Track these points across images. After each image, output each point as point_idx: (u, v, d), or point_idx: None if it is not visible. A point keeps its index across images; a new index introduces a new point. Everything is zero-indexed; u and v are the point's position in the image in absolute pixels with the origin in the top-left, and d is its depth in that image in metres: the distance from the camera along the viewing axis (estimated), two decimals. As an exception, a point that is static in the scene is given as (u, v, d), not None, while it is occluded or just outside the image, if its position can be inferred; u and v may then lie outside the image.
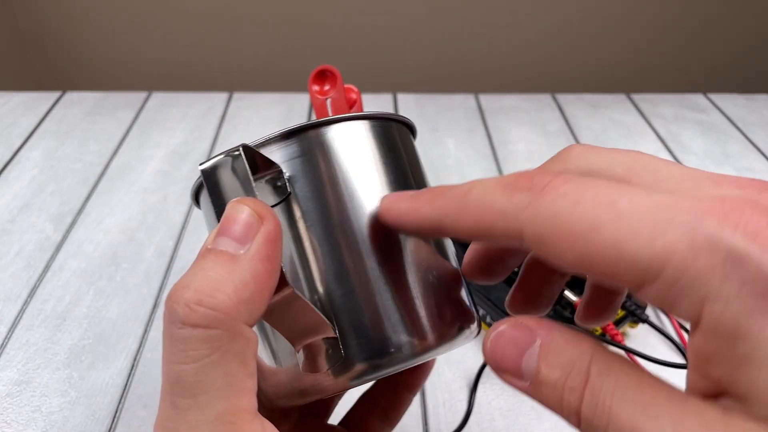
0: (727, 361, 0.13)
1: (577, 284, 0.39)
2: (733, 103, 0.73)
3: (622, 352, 0.39)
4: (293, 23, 1.02)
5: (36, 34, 1.04)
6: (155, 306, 0.43)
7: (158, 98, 0.71)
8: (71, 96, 0.71)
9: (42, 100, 0.70)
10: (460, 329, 0.21)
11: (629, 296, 0.39)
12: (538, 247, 0.15)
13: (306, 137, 0.21)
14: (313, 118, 0.25)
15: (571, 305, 0.38)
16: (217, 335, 0.16)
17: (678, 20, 1.04)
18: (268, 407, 0.21)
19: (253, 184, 0.19)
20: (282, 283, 0.18)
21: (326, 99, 0.28)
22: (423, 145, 0.62)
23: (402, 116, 0.23)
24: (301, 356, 0.20)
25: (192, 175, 0.57)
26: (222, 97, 0.72)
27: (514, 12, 1.02)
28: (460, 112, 0.70)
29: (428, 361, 0.27)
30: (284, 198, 0.20)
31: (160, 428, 0.16)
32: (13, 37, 1.03)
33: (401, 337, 0.20)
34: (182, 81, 1.06)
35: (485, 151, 0.63)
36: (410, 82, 1.05)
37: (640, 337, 0.41)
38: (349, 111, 0.29)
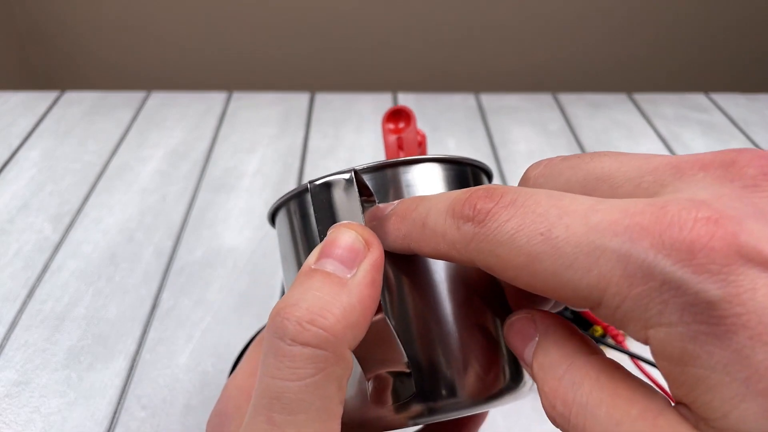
0: (681, 383, 0.13)
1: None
2: (734, 103, 0.73)
3: (625, 357, 0.39)
4: (293, 23, 1.02)
5: (35, 34, 1.04)
6: (154, 306, 0.43)
7: (157, 98, 0.71)
8: (70, 96, 0.71)
9: (41, 99, 0.70)
10: (524, 383, 0.21)
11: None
12: (492, 273, 0.15)
13: (394, 172, 0.21)
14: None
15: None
16: (324, 356, 0.16)
17: (679, 20, 1.03)
18: None
19: (362, 208, 0.19)
20: (378, 308, 0.18)
21: (398, 137, 0.29)
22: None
23: (482, 163, 0.24)
24: (370, 386, 0.20)
25: (191, 175, 0.57)
26: (221, 96, 0.72)
27: (514, 12, 1.01)
28: (460, 112, 0.70)
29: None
30: None
31: None
32: (12, 37, 1.02)
33: (472, 383, 0.20)
34: (181, 80, 1.06)
35: (486, 151, 0.62)
36: (410, 81, 1.05)
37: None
38: (417, 150, 0.30)
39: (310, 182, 0.20)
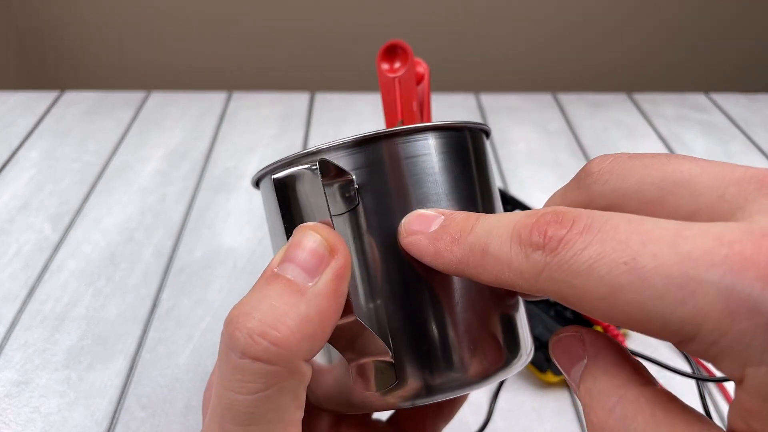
0: None
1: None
2: (734, 102, 0.73)
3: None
4: (293, 23, 1.02)
5: (35, 34, 1.04)
6: (154, 306, 0.43)
7: (157, 98, 0.71)
8: (70, 96, 0.71)
9: (40, 99, 0.70)
10: (512, 358, 0.21)
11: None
12: (567, 304, 0.14)
13: (377, 146, 0.20)
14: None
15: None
16: (275, 371, 0.16)
17: (679, 20, 1.03)
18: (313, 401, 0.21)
19: (328, 203, 0.18)
20: (347, 309, 0.18)
21: (396, 77, 0.26)
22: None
23: (477, 123, 0.22)
24: (353, 373, 0.20)
25: (191, 175, 0.57)
26: (221, 96, 0.72)
27: (514, 11, 1.01)
28: (460, 112, 0.70)
29: None
30: (352, 208, 0.19)
31: None
32: (11, 37, 1.02)
33: (455, 365, 0.19)
34: (181, 80, 1.06)
35: (485, 151, 0.62)
36: (410, 81, 1.05)
37: (641, 338, 0.41)
38: (417, 88, 0.27)
39: (272, 173, 0.19)
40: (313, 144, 0.63)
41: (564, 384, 0.38)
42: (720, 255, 0.12)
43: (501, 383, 0.37)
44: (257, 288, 0.17)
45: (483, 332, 0.20)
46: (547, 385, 0.38)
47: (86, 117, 0.67)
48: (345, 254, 0.17)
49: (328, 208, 0.18)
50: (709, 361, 0.13)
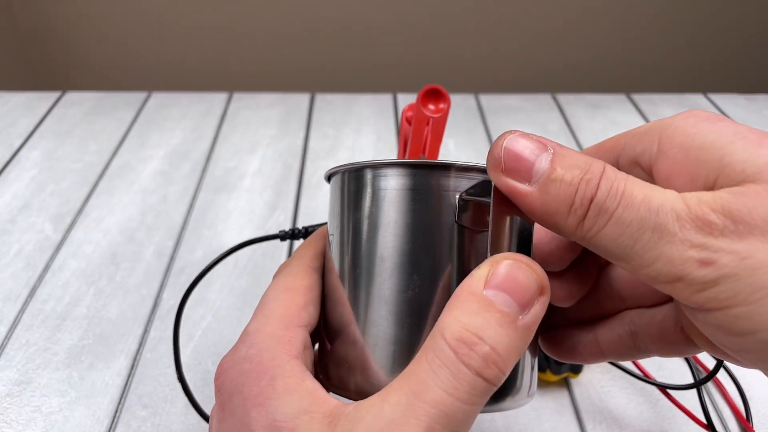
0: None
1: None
2: (733, 103, 0.73)
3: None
4: (293, 23, 1.02)
5: (36, 35, 1.04)
6: (155, 306, 0.43)
7: (158, 98, 0.71)
8: (71, 96, 0.71)
9: (42, 100, 0.70)
10: (524, 392, 0.22)
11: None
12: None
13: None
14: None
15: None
16: (492, 390, 0.18)
17: (678, 20, 1.04)
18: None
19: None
20: None
21: (432, 117, 0.28)
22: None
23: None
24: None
25: (192, 175, 0.57)
26: (222, 97, 0.72)
27: (514, 12, 1.01)
28: (460, 112, 0.70)
29: None
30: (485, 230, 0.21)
31: None
32: (12, 37, 1.02)
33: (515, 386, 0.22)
34: (182, 81, 1.06)
35: (485, 151, 0.62)
36: (410, 82, 1.05)
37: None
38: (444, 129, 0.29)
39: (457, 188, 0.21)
40: (313, 146, 0.63)
41: (563, 383, 0.38)
42: None
43: None
44: (469, 307, 0.18)
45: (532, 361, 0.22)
46: (547, 385, 0.38)
47: (87, 117, 0.67)
48: (548, 294, 0.19)
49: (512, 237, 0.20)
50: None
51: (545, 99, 0.73)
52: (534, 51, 1.06)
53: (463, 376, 0.17)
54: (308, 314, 0.23)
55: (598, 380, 0.38)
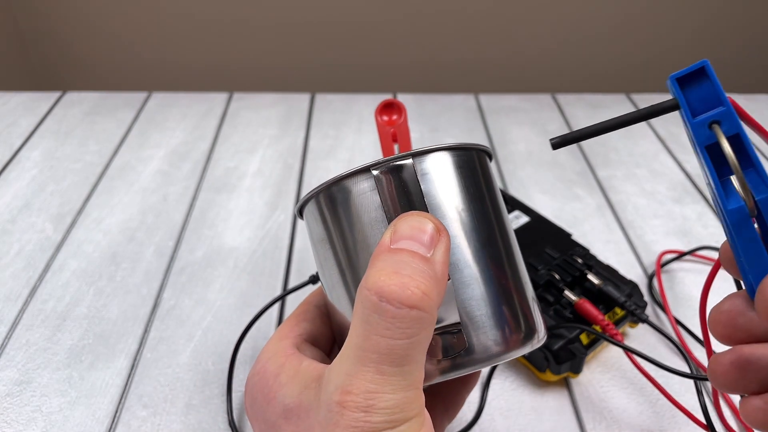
0: None
1: (577, 284, 0.39)
2: (733, 103, 0.73)
3: (620, 351, 0.39)
4: (293, 23, 1.02)
5: (36, 35, 1.04)
6: (155, 306, 0.43)
7: (158, 98, 0.71)
8: (71, 96, 0.71)
9: (42, 100, 0.70)
10: (533, 334, 0.25)
11: (629, 295, 0.39)
12: None
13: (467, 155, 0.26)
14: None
15: (571, 305, 0.38)
16: (426, 318, 0.20)
17: (678, 20, 1.04)
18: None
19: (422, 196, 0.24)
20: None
21: (392, 128, 0.33)
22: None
23: (484, 146, 0.27)
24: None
25: (192, 175, 0.57)
26: (222, 97, 0.72)
27: (514, 12, 1.02)
28: (459, 112, 0.70)
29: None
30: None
31: (360, 388, 0.19)
32: (13, 38, 1.03)
33: (492, 339, 0.23)
34: (182, 81, 1.06)
35: (485, 151, 0.63)
36: (410, 82, 1.05)
37: (639, 337, 0.41)
38: (409, 134, 0.34)
39: (373, 168, 0.24)
40: (313, 146, 0.63)
41: (563, 383, 0.38)
42: None
43: (492, 371, 0.38)
44: (383, 259, 0.21)
45: (528, 305, 0.25)
46: (546, 384, 0.38)
47: (88, 117, 0.67)
48: (447, 234, 0.22)
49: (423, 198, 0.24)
50: None
51: (545, 99, 0.73)
52: (534, 51, 1.06)
53: (388, 312, 0.19)
54: (301, 328, 0.27)
55: (598, 380, 0.38)
